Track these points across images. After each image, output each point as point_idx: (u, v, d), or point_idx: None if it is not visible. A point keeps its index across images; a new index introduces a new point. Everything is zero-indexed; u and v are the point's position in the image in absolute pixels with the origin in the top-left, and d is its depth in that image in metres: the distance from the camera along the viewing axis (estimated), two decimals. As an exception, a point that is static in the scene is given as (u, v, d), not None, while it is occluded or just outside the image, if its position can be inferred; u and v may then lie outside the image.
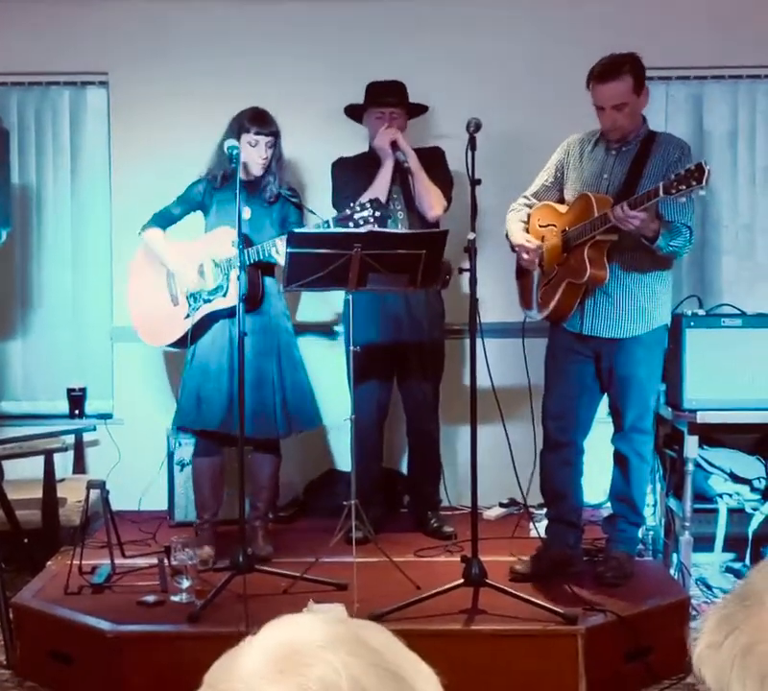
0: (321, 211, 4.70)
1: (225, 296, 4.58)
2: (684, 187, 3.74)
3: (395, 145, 4.93)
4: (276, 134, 4.62)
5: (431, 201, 4.94)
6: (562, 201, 4.41)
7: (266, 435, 4.62)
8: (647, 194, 3.90)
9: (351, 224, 4.34)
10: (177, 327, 4.71)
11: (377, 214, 4.36)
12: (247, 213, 4.55)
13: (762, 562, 1.22)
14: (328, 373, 5.30)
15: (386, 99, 5.01)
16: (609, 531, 4.50)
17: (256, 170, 4.62)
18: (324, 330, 5.63)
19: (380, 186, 4.87)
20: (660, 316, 4.32)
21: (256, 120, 4.59)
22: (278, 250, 4.39)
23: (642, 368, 4.30)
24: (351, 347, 4.31)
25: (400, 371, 5.14)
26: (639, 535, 4.61)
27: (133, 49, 5.64)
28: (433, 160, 5.01)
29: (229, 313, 4.53)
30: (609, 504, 4.65)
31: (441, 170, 5.03)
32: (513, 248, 4.46)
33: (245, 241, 4.43)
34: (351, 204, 4.41)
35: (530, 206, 4.50)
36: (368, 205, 4.35)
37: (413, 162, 4.92)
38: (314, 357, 5.19)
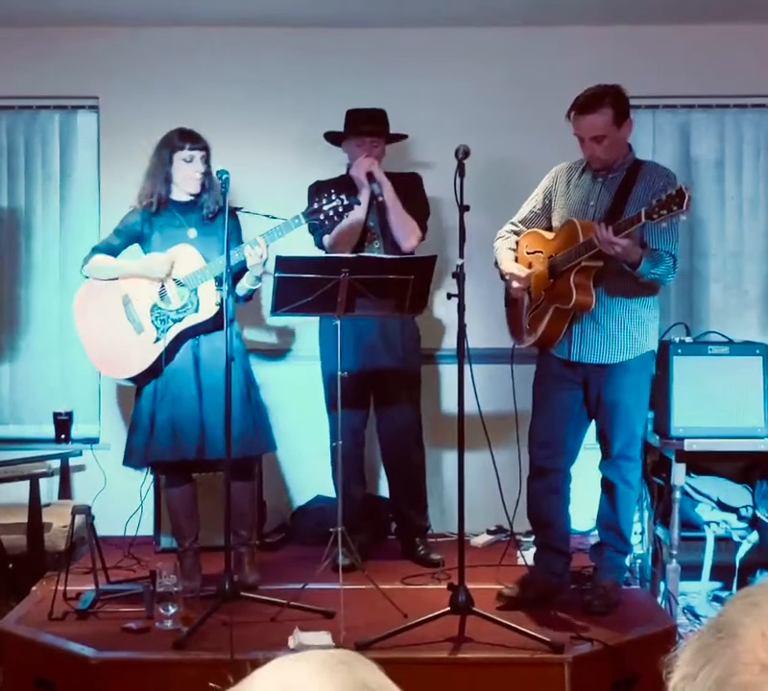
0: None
1: (197, 311, 4.46)
2: (665, 212, 3.76)
3: (371, 175, 4.93)
4: (207, 149, 4.57)
5: (406, 231, 4.94)
6: (550, 228, 4.43)
7: (240, 454, 4.44)
8: (630, 219, 3.92)
9: (321, 215, 4.33)
10: (148, 354, 4.49)
11: (346, 202, 4.34)
12: (192, 233, 4.53)
13: (737, 594, 1.23)
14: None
15: (366, 128, 5.02)
16: (596, 559, 4.49)
17: (194, 187, 4.55)
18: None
19: (355, 217, 4.86)
20: (646, 342, 4.33)
21: (187, 137, 4.55)
22: (249, 253, 4.31)
23: (629, 394, 4.31)
24: (339, 373, 4.29)
25: (377, 398, 5.13)
26: (627, 562, 4.60)
27: (124, 73, 5.67)
28: (410, 187, 5.01)
29: (194, 332, 4.50)
30: (596, 531, 4.64)
31: (417, 198, 5.02)
32: (502, 276, 4.47)
33: (199, 259, 4.41)
34: (316, 198, 4.40)
35: (517, 233, 4.52)
36: (334, 197, 4.33)
37: (388, 193, 4.90)
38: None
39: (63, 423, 5.68)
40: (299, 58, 5.65)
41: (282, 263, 4.14)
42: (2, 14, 5.43)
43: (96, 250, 4.69)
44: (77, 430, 5.75)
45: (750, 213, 5.80)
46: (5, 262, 5.67)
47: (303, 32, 5.60)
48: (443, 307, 5.27)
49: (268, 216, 4.41)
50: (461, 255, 3.96)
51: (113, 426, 5.70)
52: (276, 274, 4.11)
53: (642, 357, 4.32)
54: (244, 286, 4.52)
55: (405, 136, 5.21)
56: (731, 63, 5.61)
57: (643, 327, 4.31)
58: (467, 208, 3.96)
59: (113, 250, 4.68)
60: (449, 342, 5.19)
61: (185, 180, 4.53)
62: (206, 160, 4.55)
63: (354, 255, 4.43)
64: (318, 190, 4.77)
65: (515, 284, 4.40)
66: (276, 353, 5.67)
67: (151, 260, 4.54)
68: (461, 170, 3.97)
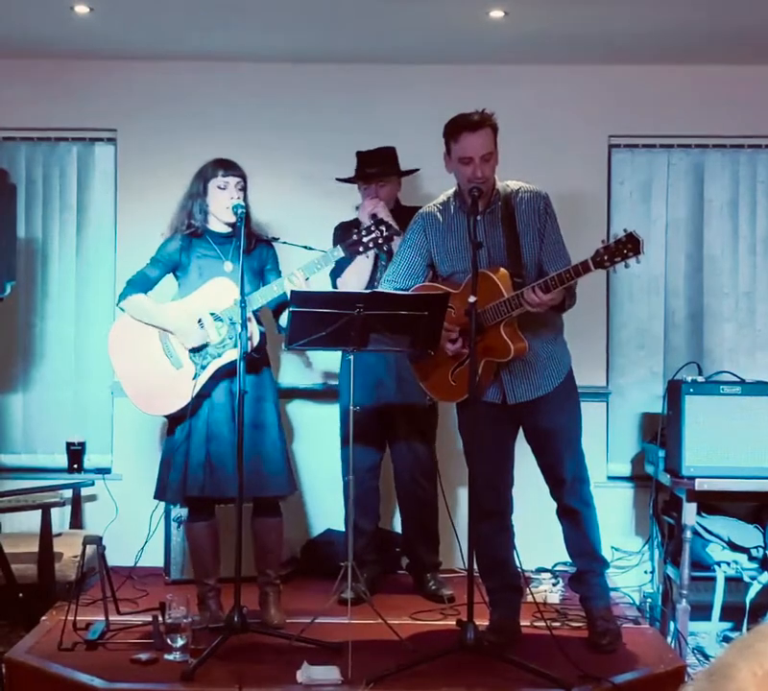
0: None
1: (236, 347, 4.30)
2: (618, 258, 3.70)
3: (375, 217, 4.94)
4: (244, 177, 4.49)
5: None
6: (434, 279, 4.30)
7: (276, 492, 4.49)
8: (575, 270, 3.81)
9: (361, 247, 4.33)
10: (187, 389, 4.42)
11: (386, 233, 4.33)
12: (228, 266, 4.46)
13: (732, 642, 1.25)
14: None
15: (370, 170, 5.06)
16: (581, 590, 4.38)
17: (230, 216, 4.41)
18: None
19: (363, 262, 4.89)
20: (565, 364, 4.27)
21: (222, 164, 4.49)
22: (289, 286, 4.27)
23: (564, 416, 4.24)
24: (351, 407, 4.29)
25: (391, 433, 5.14)
26: (606, 575, 4.46)
27: (142, 107, 5.74)
28: None
29: (230, 370, 4.40)
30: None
31: None
32: None
33: (236, 292, 4.31)
34: (355, 230, 4.39)
35: (403, 289, 4.29)
36: (373, 228, 4.32)
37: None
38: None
39: (76, 453, 5.71)
40: (316, 93, 5.71)
41: (297, 297, 4.15)
42: (22, 47, 5.50)
43: (132, 283, 4.56)
44: (89, 460, 5.78)
45: (763, 252, 5.82)
46: (21, 292, 5.70)
47: (321, 68, 5.66)
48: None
49: (306, 247, 4.40)
50: (474, 293, 3.92)
51: (126, 457, 5.73)
52: (291, 308, 4.12)
53: (566, 379, 4.25)
54: (285, 319, 4.39)
55: (417, 170, 5.21)
56: (746, 104, 5.67)
57: (560, 351, 4.26)
58: (480, 245, 3.90)
59: (149, 282, 4.57)
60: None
61: (220, 210, 4.44)
62: (243, 188, 4.47)
63: (369, 291, 4.44)
64: (344, 229, 4.82)
65: (450, 346, 4.16)
66: (289, 389, 5.68)
67: (188, 325, 4.45)
68: (474, 208, 3.95)
